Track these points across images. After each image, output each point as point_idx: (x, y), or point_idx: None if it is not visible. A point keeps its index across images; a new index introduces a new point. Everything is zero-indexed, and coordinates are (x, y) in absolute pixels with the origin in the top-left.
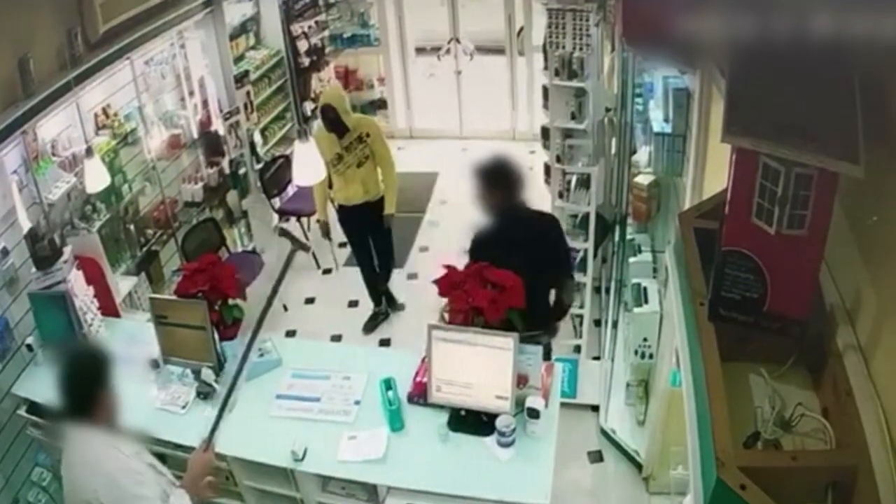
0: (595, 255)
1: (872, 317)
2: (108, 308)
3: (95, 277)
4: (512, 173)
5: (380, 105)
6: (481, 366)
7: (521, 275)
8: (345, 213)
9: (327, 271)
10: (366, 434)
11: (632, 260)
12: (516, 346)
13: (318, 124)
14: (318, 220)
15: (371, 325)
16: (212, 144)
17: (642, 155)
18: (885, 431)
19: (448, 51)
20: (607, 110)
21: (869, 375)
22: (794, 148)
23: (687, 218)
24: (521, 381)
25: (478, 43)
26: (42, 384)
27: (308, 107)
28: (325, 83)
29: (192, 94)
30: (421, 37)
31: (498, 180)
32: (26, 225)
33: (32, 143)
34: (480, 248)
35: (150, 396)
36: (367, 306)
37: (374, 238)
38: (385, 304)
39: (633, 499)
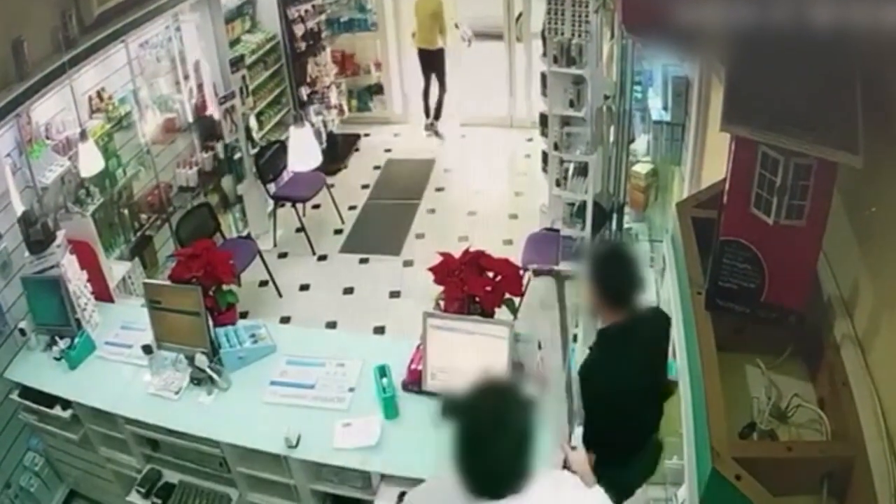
0: None
1: (870, 308)
2: (102, 293)
3: (89, 262)
4: (637, 271)
5: (377, 90)
6: (476, 354)
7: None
8: (422, 54)
9: (322, 258)
10: (360, 421)
11: None
12: (511, 335)
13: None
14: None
15: (430, 125)
16: (207, 129)
17: (641, 143)
18: (882, 423)
19: None
20: (606, 98)
21: (866, 366)
22: (794, 137)
23: (685, 207)
24: (516, 369)
25: (476, 29)
26: (34, 368)
27: (304, 91)
28: (322, 68)
29: (187, 77)
30: None
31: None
32: (19, 208)
33: (26, 126)
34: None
35: (143, 382)
36: (361, 294)
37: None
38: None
39: None
